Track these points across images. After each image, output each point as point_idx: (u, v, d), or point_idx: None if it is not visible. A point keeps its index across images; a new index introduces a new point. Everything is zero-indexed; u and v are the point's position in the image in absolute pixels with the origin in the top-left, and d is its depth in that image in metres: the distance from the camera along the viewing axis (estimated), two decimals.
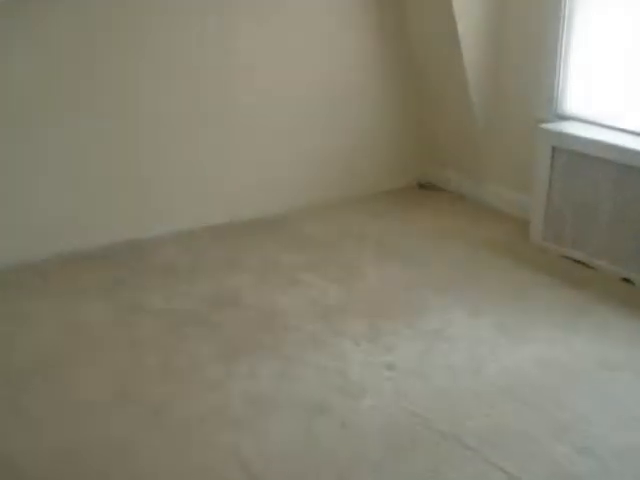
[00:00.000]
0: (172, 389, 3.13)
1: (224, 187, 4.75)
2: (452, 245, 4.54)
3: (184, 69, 4.44)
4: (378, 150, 5.33)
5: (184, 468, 2.71)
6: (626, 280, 4.05)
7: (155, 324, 3.62)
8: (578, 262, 4.26)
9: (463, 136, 5.17)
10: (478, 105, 4.94)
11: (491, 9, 4.76)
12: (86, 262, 4.22)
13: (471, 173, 5.25)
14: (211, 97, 4.57)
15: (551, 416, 2.97)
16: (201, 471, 2.70)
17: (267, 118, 4.80)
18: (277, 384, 3.17)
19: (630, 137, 4.13)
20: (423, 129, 5.46)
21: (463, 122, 5.09)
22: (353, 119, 5.15)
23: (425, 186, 5.54)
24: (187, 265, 4.25)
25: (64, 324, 3.62)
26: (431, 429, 2.88)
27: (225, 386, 3.15)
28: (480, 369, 3.28)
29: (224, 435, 2.86)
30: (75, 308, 3.76)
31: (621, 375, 3.26)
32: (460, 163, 5.32)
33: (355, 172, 5.24)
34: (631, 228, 4.01)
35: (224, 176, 4.74)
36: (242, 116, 4.70)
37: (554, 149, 4.31)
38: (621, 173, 4.01)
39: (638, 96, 4.18)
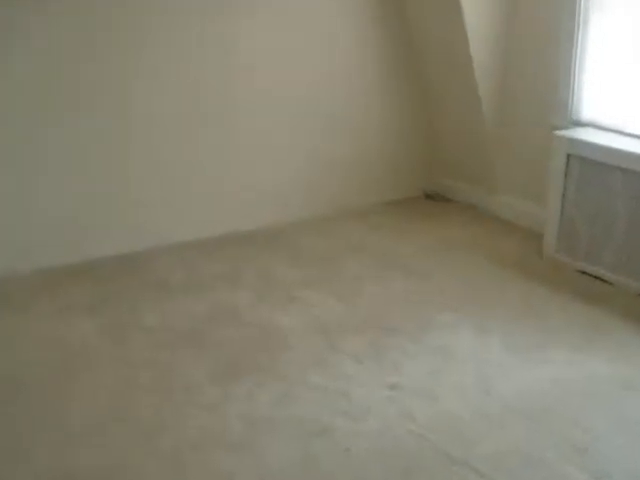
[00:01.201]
0: (166, 411, 3.16)
1: (220, 198, 4.80)
2: (460, 258, 4.58)
3: (184, 71, 4.52)
4: (382, 158, 5.37)
5: None
6: None
7: (148, 342, 3.65)
8: (594, 277, 4.30)
9: (472, 143, 5.21)
10: (488, 110, 4.98)
11: (502, 9, 4.80)
12: (75, 276, 4.26)
13: (480, 182, 5.28)
14: (209, 104, 4.64)
15: (566, 439, 2.99)
16: None
17: (266, 125, 4.86)
18: (276, 406, 3.19)
19: None
20: (430, 135, 5.50)
21: (472, 128, 5.12)
22: (355, 125, 5.20)
23: (432, 196, 5.57)
24: (181, 280, 4.28)
25: (51, 342, 3.65)
26: (438, 453, 2.91)
27: (222, 408, 3.18)
28: (490, 389, 3.31)
29: (221, 459, 2.88)
30: (63, 325, 3.79)
31: None
32: (469, 172, 5.35)
33: (357, 181, 5.29)
34: None
35: (220, 186, 4.79)
36: (241, 125, 4.77)
37: (569, 157, 4.34)
38: None
39: None
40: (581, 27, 4.45)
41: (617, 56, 4.35)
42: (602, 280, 4.25)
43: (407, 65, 5.29)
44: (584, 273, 4.34)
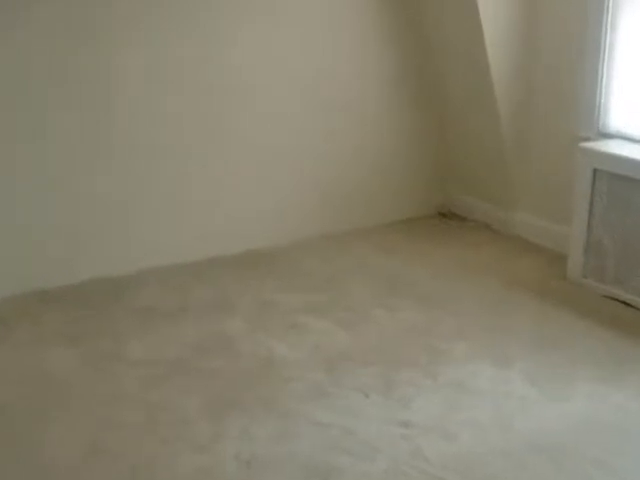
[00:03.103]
0: (153, 449, 3.17)
1: (214, 215, 4.83)
2: (476, 282, 4.60)
3: (176, 89, 4.58)
4: (393, 174, 5.40)
5: None
6: None
7: (134, 375, 3.67)
8: (622, 303, 4.31)
9: (489, 156, 5.23)
10: (507, 122, 5.01)
11: (522, 12, 4.84)
12: (53, 303, 4.28)
13: (499, 200, 5.31)
14: (202, 119, 4.68)
15: None
16: None
17: (265, 139, 4.91)
18: (275, 444, 3.20)
19: None
20: (444, 149, 5.54)
21: (490, 141, 5.15)
22: (364, 138, 5.24)
23: (446, 215, 5.61)
24: (171, 306, 4.30)
25: (28, 375, 3.66)
26: None
27: (215, 446, 3.18)
28: (509, 426, 3.32)
29: None
30: (41, 357, 3.81)
31: None
32: (486, 189, 5.37)
33: (365, 198, 5.32)
34: None
35: (213, 203, 4.82)
36: (235, 137, 4.82)
37: (596, 172, 4.36)
38: None
39: None
40: (609, 29, 4.47)
41: None
42: (631, 306, 4.26)
43: (421, 74, 5.34)
44: (611, 299, 4.35)
